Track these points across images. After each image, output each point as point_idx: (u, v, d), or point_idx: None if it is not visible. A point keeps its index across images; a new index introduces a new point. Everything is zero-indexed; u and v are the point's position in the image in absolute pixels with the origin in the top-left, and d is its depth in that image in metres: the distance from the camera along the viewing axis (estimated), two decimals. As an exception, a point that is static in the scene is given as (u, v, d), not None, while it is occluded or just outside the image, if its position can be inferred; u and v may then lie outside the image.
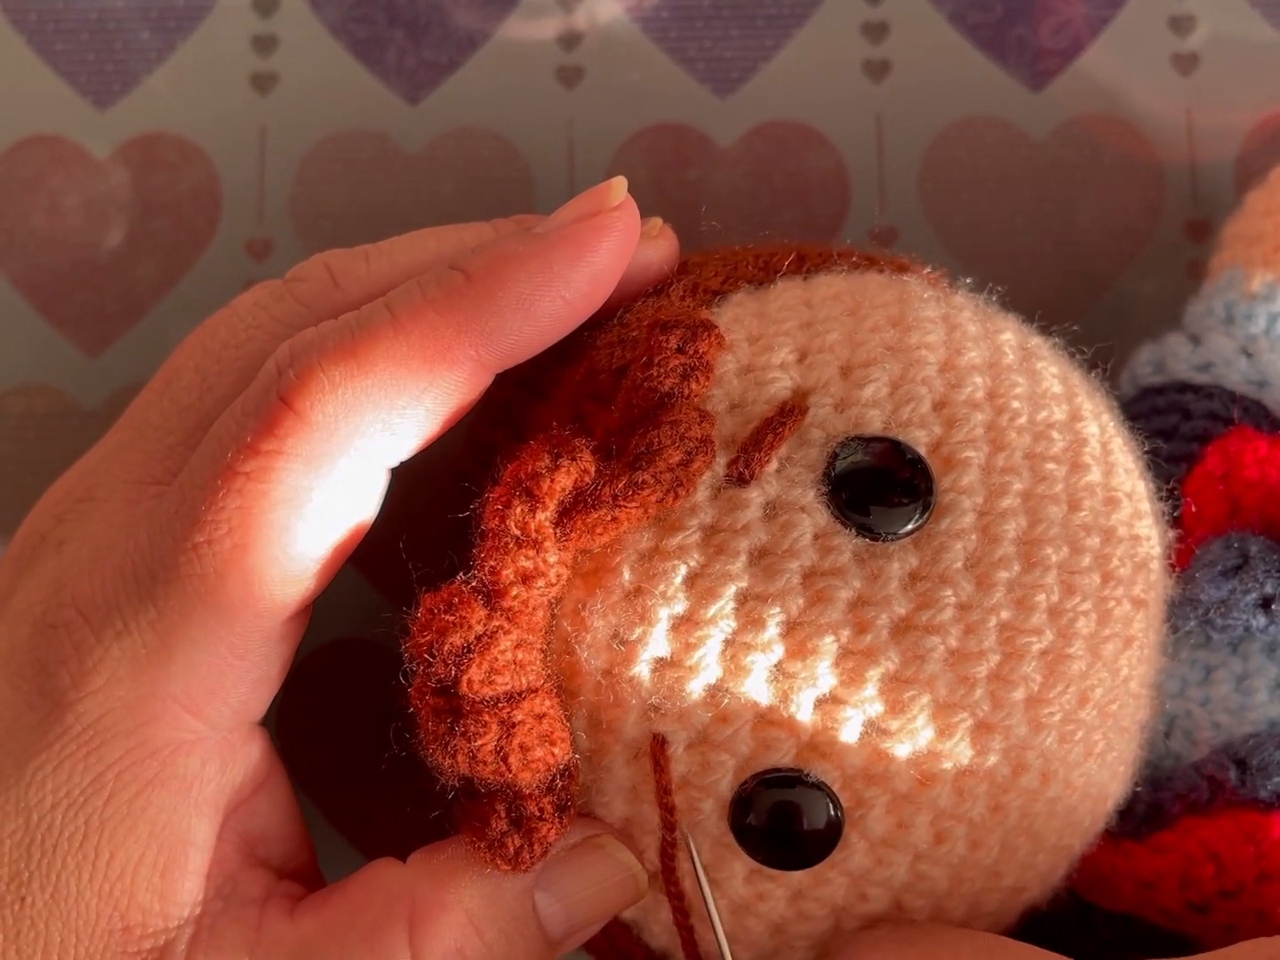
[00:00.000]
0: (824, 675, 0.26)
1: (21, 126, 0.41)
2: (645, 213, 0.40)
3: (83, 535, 0.29)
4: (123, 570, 0.27)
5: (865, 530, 0.27)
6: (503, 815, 0.26)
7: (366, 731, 0.37)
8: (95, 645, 0.26)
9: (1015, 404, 0.28)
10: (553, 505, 0.26)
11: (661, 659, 0.27)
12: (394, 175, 0.40)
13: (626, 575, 0.27)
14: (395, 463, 0.28)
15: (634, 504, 0.26)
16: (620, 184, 0.29)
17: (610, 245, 0.28)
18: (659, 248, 0.31)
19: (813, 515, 0.27)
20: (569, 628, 0.27)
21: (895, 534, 0.27)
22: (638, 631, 0.27)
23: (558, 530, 0.26)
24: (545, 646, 0.27)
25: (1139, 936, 0.32)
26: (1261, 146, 0.40)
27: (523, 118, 0.41)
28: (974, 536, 0.27)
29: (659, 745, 0.27)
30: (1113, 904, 0.32)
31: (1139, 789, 0.31)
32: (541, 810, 0.26)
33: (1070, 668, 0.27)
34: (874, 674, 0.26)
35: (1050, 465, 0.28)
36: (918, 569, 0.27)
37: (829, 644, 0.26)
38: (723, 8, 0.41)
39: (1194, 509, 0.33)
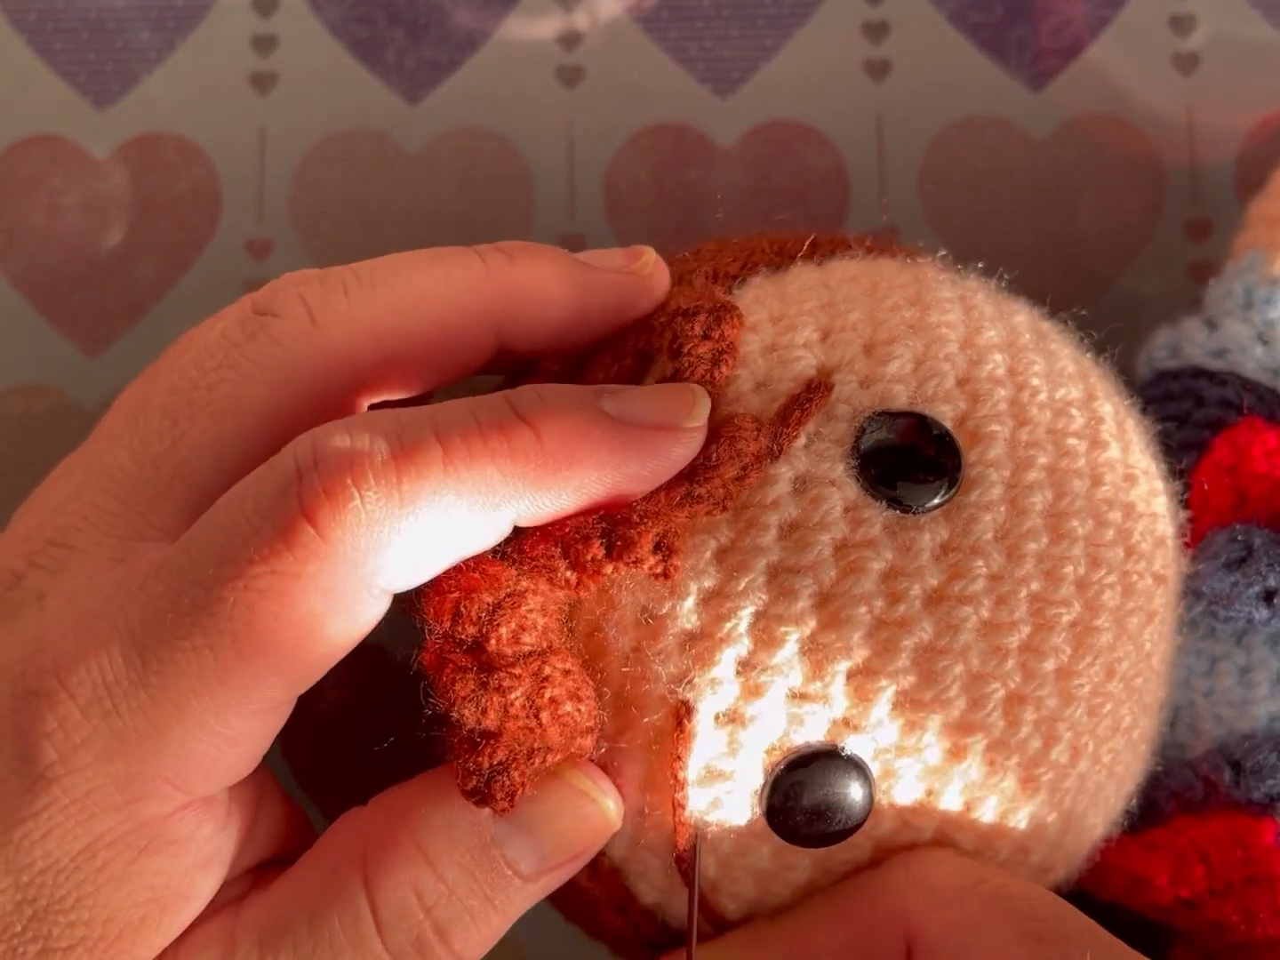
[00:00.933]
0: (857, 646, 0.26)
1: (21, 126, 0.41)
2: (645, 213, 0.41)
3: (65, 592, 0.27)
4: (111, 648, 0.25)
5: (895, 503, 0.27)
6: (495, 753, 0.25)
7: (366, 731, 0.37)
8: (82, 722, 0.25)
9: (1035, 381, 0.29)
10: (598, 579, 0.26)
11: (690, 633, 0.27)
12: (394, 175, 0.40)
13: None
14: (407, 589, 0.26)
15: (683, 514, 0.26)
16: (704, 406, 0.27)
17: (677, 459, 0.27)
18: (657, 284, 0.31)
19: (842, 489, 0.27)
20: (596, 607, 0.27)
21: (925, 506, 0.27)
22: (666, 606, 0.27)
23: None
24: (572, 625, 0.27)
25: (1124, 926, 0.32)
26: (1262, 146, 0.40)
27: (523, 118, 0.41)
28: (1003, 509, 0.27)
29: (685, 710, 0.27)
30: (1102, 893, 0.32)
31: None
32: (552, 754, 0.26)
33: (1098, 640, 0.28)
34: (908, 644, 0.26)
35: (1072, 440, 0.28)
36: (949, 540, 0.27)
37: (862, 614, 0.26)
38: (723, 7, 0.41)
39: (1202, 498, 0.33)
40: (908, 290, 0.30)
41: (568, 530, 0.26)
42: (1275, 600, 0.32)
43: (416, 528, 0.25)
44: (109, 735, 0.25)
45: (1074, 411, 0.29)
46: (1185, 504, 0.32)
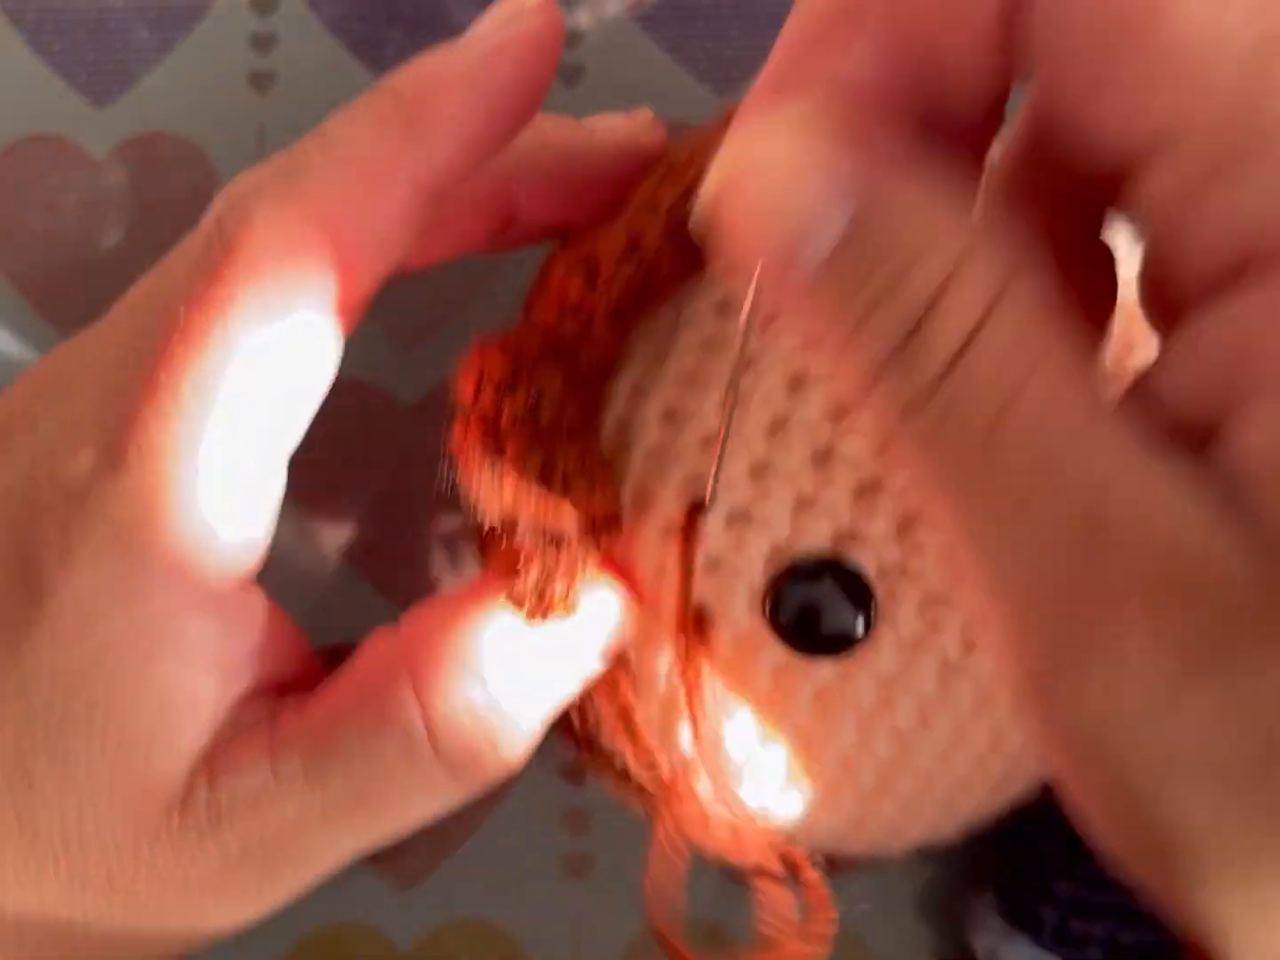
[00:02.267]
0: (867, 460, 0.27)
1: (20, 126, 0.40)
2: (645, 213, 0.40)
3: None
4: (99, 443, 0.26)
5: None
6: (537, 557, 0.26)
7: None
8: (77, 524, 0.26)
9: None
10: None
11: (711, 436, 0.27)
12: (393, 175, 0.40)
13: (686, 360, 0.28)
14: (353, 303, 0.27)
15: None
16: None
17: (536, 51, 0.28)
18: (651, 134, 0.32)
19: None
20: (623, 407, 0.28)
21: None
22: (690, 408, 0.27)
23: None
24: (597, 424, 0.28)
25: None
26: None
27: (522, 117, 0.41)
28: None
29: (695, 509, 0.27)
30: None
31: None
32: (582, 553, 0.27)
33: None
34: None
35: None
36: None
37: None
38: (723, 7, 0.41)
39: None
40: None
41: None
42: None
43: (323, 218, 0.27)
44: (104, 531, 0.25)
45: None
46: None
